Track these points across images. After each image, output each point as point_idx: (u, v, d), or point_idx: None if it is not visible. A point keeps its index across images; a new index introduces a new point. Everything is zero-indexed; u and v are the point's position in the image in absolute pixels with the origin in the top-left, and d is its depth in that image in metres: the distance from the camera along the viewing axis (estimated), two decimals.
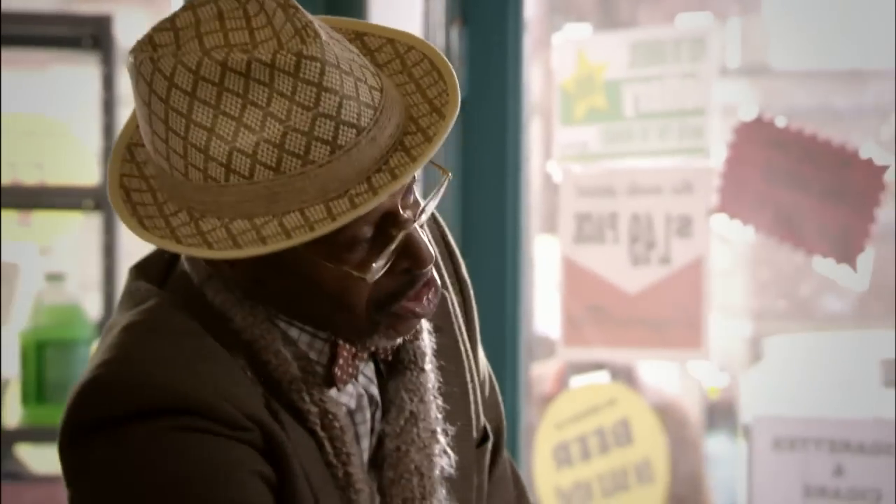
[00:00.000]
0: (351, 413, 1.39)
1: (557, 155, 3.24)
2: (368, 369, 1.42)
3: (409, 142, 1.30)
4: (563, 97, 3.23)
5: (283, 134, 1.24)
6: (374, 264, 1.30)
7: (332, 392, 1.37)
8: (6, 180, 3.37)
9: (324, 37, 1.26)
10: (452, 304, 1.48)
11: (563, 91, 3.23)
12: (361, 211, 1.25)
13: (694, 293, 3.09)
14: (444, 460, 1.40)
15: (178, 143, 1.26)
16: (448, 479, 1.40)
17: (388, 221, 1.31)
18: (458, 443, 1.43)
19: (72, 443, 1.29)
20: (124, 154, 1.37)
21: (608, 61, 3.18)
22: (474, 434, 1.46)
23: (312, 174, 1.25)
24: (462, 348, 1.47)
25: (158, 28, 1.30)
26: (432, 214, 1.44)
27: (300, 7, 1.28)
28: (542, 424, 3.47)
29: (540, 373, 3.71)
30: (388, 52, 1.35)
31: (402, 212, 1.33)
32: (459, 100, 1.32)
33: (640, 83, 3.14)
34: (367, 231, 1.30)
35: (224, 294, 1.35)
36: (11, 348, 2.91)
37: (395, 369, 1.41)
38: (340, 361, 1.36)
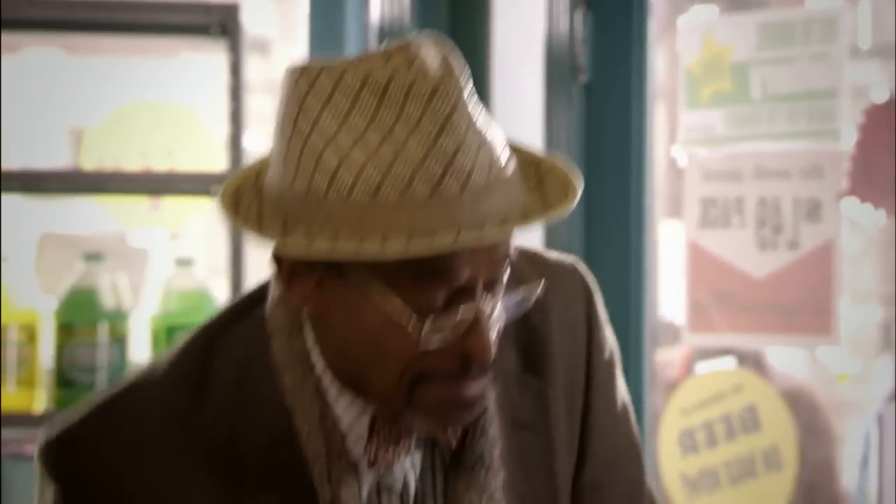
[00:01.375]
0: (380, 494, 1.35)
1: (683, 139, 3.21)
2: (415, 457, 1.37)
3: (507, 217, 1.27)
4: (689, 80, 3.19)
5: (391, 163, 1.23)
6: (428, 323, 1.24)
7: (370, 470, 1.33)
8: (138, 167, 3.43)
9: (472, 98, 1.26)
10: (555, 403, 1.41)
11: (689, 74, 3.20)
12: (439, 248, 1.22)
13: (823, 278, 3.05)
14: None
15: (297, 146, 1.27)
16: None
17: (462, 295, 1.27)
18: None
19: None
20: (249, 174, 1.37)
21: (735, 43, 3.14)
22: None
23: (405, 209, 1.22)
24: (556, 449, 1.41)
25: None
26: (586, 291, 1.42)
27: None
28: (668, 410, 3.45)
29: (666, 359, 3.69)
30: (529, 158, 1.34)
31: (478, 293, 1.28)
32: (571, 206, 1.30)
33: (768, 65, 3.10)
34: (440, 294, 1.26)
35: (285, 352, 1.33)
36: (142, 333, 2.96)
37: (462, 465, 1.36)
38: (375, 441, 1.32)
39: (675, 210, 3.32)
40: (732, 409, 3.59)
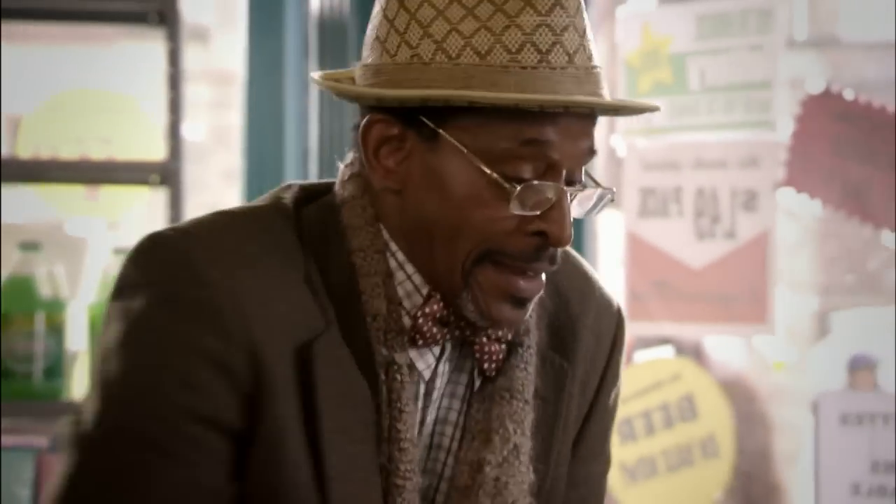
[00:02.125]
0: (421, 379, 1.39)
1: (622, 129, 3.23)
2: (445, 365, 1.39)
3: (606, 99, 1.35)
4: (628, 71, 3.21)
5: (505, 28, 1.30)
6: (517, 190, 1.30)
7: (411, 351, 1.36)
8: (76, 155, 3.41)
9: None
10: (570, 386, 1.45)
11: (628, 65, 3.21)
12: (542, 99, 1.28)
13: (759, 268, 3.08)
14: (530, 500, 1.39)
15: (404, 20, 1.33)
16: None
17: (555, 169, 1.32)
18: None
19: (118, 281, 1.36)
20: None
21: (673, 34, 3.16)
22: None
23: (513, 71, 1.29)
24: (559, 429, 1.44)
25: None
26: (618, 323, 1.47)
27: None
28: None
29: None
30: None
31: (562, 177, 1.33)
32: (657, 108, 1.35)
33: (705, 56, 3.12)
34: (528, 168, 1.31)
35: (356, 217, 1.38)
36: (80, 322, 2.94)
37: (496, 398, 1.39)
38: (427, 310, 1.35)
39: (614, 200, 3.34)
40: (670, 397, 3.62)
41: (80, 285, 3.12)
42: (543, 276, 1.34)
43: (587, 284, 1.48)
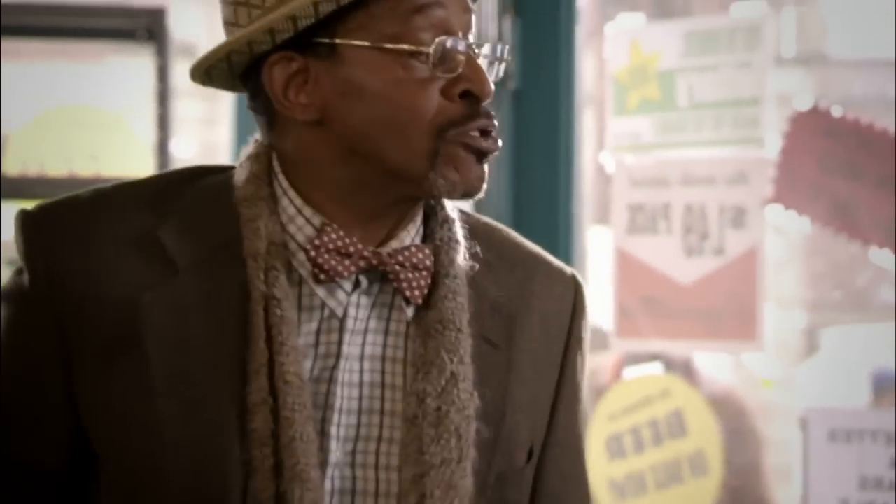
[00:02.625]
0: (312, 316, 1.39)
1: (610, 145, 3.23)
2: (364, 300, 1.41)
3: None
4: (616, 87, 3.21)
5: None
6: (427, 50, 1.34)
7: (319, 289, 1.38)
8: (64, 172, 3.40)
9: None
10: (520, 336, 1.46)
11: (616, 81, 3.22)
12: None
13: (748, 284, 3.08)
14: (477, 425, 1.40)
15: None
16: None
17: (450, 33, 1.36)
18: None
19: None
20: None
21: (662, 51, 3.16)
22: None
23: None
24: (514, 373, 1.45)
25: None
26: (576, 293, 1.49)
27: None
28: (596, 416, 3.47)
29: (595, 365, 3.71)
30: None
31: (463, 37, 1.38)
32: None
33: (694, 73, 3.13)
34: (427, 38, 1.35)
35: (244, 172, 1.41)
36: None
37: (430, 331, 1.41)
38: (317, 242, 1.37)
39: (603, 216, 3.34)
40: (659, 414, 3.61)
41: None
42: (493, 133, 1.38)
43: (533, 256, 1.50)
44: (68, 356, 1.36)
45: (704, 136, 3.12)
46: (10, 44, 3.15)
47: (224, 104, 3.38)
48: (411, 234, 1.42)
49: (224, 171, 1.45)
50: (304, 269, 1.38)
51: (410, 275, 1.39)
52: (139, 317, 1.35)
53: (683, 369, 3.71)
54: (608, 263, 3.25)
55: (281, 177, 1.41)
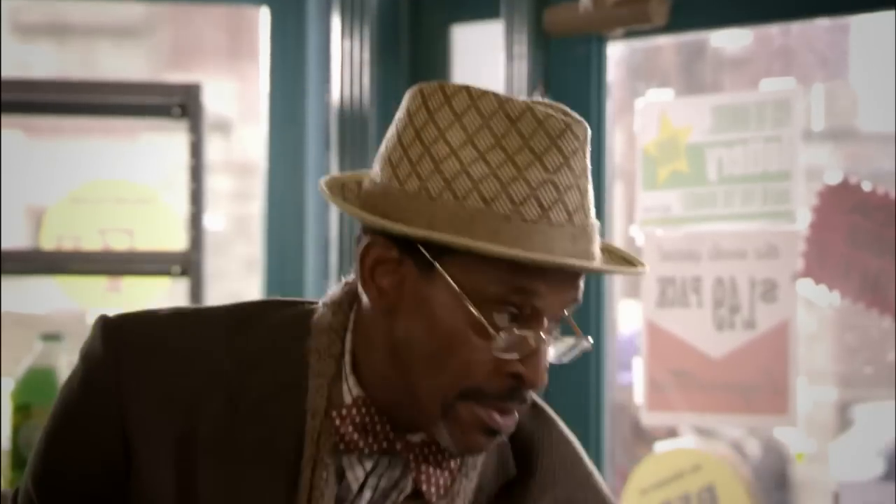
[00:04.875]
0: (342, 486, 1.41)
1: (640, 219, 3.24)
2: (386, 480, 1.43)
3: (598, 260, 1.42)
4: (646, 161, 3.23)
5: (513, 179, 1.35)
6: (499, 333, 1.35)
7: (344, 459, 1.41)
8: (98, 246, 3.43)
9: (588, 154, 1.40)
10: None
11: (646, 155, 3.23)
12: (538, 259, 1.34)
13: (779, 358, 3.07)
14: None
15: (417, 150, 1.38)
16: None
17: (534, 319, 1.37)
18: None
19: None
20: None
21: (691, 125, 3.18)
22: None
23: (515, 223, 1.35)
24: None
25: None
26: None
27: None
28: (627, 490, 3.45)
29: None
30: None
31: (547, 321, 1.39)
32: (645, 270, 1.45)
33: (723, 147, 3.14)
34: (513, 311, 1.36)
35: (325, 320, 1.43)
36: None
37: None
38: (343, 412, 1.40)
39: (633, 290, 3.34)
40: (691, 488, 3.59)
41: None
42: (516, 413, 1.39)
43: (584, 482, 1.51)
44: (127, 475, 1.39)
45: (734, 209, 3.12)
46: (47, 120, 3.19)
47: (256, 179, 3.41)
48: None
49: (300, 306, 1.48)
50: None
51: (432, 469, 1.42)
52: (195, 452, 1.38)
53: (714, 443, 3.68)
54: (639, 337, 3.25)
55: (348, 336, 1.44)
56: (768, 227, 3.09)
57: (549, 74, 3.09)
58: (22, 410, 2.85)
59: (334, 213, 3.22)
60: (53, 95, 3.15)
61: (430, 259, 1.37)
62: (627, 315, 3.48)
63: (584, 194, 1.39)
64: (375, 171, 1.43)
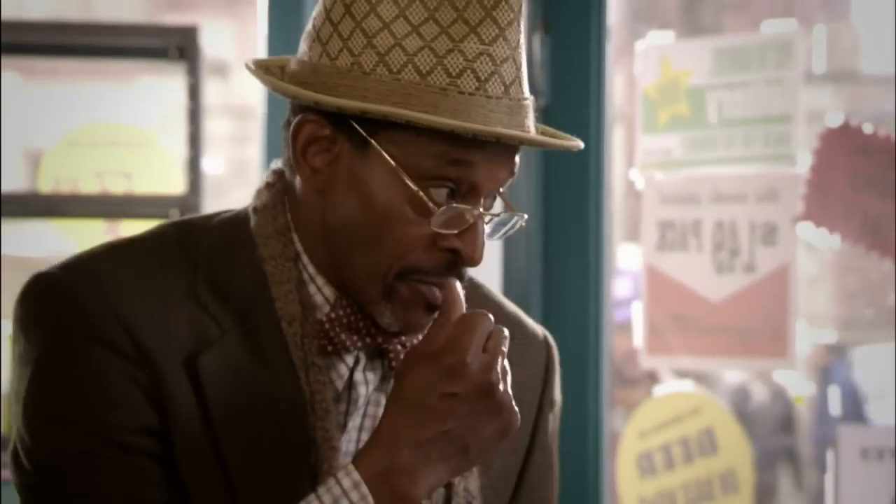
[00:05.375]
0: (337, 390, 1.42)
1: (640, 162, 3.23)
2: (367, 374, 1.44)
3: (533, 131, 1.40)
4: (646, 104, 3.22)
5: (448, 51, 1.34)
6: (435, 210, 1.35)
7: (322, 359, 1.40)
8: (96, 190, 3.42)
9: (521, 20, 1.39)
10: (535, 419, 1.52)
11: (646, 98, 3.22)
12: (477, 129, 1.32)
13: (779, 301, 3.07)
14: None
15: (348, 25, 1.36)
16: None
17: (471, 194, 1.37)
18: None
19: (14, 324, 1.41)
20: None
21: (692, 68, 3.16)
22: None
23: (451, 95, 1.33)
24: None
25: None
26: (548, 350, 1.53)
27: None
28: (626, 433, 3.46)
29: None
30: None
31: (481, 201, 1.38)
32: (580, 145, 1.43)
33: (724, 90, 3.12)
34: (449, 187, 1.36)
35: (267, 225, 1.42)
36: None
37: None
38: (333, 315, 1.39)
39: (633, 233, 3.34)
40: (690, 431, 3.60)
41: None
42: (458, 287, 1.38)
43: (510, 319, 1.52)
44: (163, 406, 1.35)
45: (735, 153, 3.11)
46: (42, 62, 3.17)
47: (254, 123, 3.39)
48: None
49: (222, 217, 1.45)
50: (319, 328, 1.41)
51: (402, 354, 1.42)
52: (200, 379, 1.35)
53: (713, 386, 3.69)
54: (638, 280, 3.25)
55: (295, 237, 1.42)
56: (769, 171, 3.08)
57: (549, 16, 3.07)
58: None
59: None
60: (50, 37, 3.13)
61: (365, 135, 1.36)
62: (627, 258, 3.48)
63: (519, 67, 1.37)
64: (302, 50, 1.42)
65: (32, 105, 3.86)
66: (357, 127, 1.36)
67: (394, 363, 1.42)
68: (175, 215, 3.09)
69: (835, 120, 3.06)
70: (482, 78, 1.34)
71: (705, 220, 3.14)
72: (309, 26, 1.42)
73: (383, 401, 1.43)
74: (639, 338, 3.24)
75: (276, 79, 1.42)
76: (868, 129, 3.02)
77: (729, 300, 3.13)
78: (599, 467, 3.07)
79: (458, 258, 1.37)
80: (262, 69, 1.44)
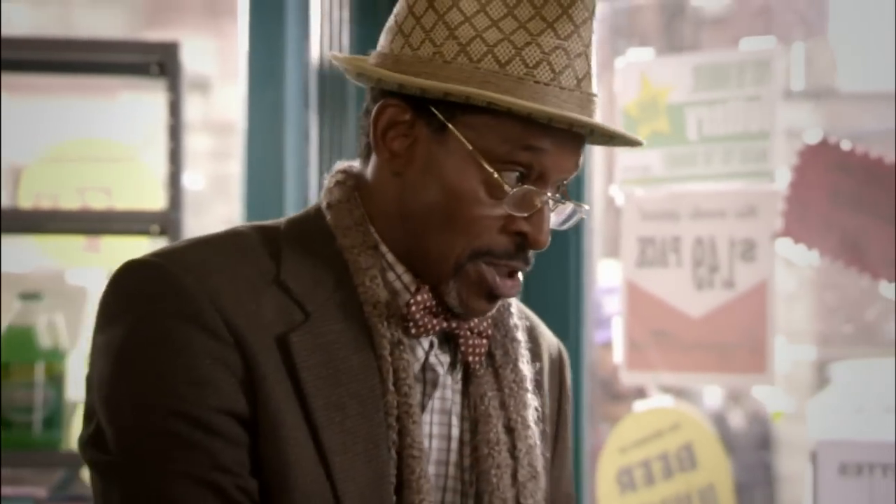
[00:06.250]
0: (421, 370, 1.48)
1: (620, 178, 3.24)
2: (441, 356, 1.50)
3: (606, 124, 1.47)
4: (626, 121, 3.23)
5: (527, 44, 1.41)
6: (509, 190, 1.41)
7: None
8: (76, 205, 3.42)
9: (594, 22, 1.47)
10: (541, 405, 1.58)
11: (626, 114, 3.23)
12: (552, 113, 1.39)
13: (758, 317, 3.08)
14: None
15: (431, 19, 1.43)
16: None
17: (543, 179, 1.44)
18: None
19: (101, 303, 1.45)
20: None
21: (671, 85, 3.18)
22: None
23: (528, 84, 1.40)
24: (545, 419, 1.58)
25: None
26: (560, 353, 1.64)
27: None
28: (606, 448, 3.47)
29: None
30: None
31: (549, 189, 1.45)
32: (643, 143, 1.50)
33: (703, 107, 3.14)
34: (520, 172, 1.42)
35: (345, 218, 1.47)
36: (80, 372, 2.94)
37: (503, 389, 1.53)
38: (418, 298, 1.45)
39: (613, 249, 3.35)
40: (670, 447, 3.61)
41: (80, 335, 3.12)
42: (521, 277, 1.46)
43: (528, 315, 1.63)
44: (252, 386, 1.39)
45: (714, 169, 3.13)
46: (25, 79, 3.17)
47: (235, 139, 3.40)
48: None
49: (291, 221, 1.50)
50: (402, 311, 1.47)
51: (475, 341, 1.49)
52: (292, 355, 1.40)
53: (692, 402, 3.70)
54: (618, 296, 3.26)
55: (372, 227, 1.48)
56: (748, 187, 3.10)
57: None
58: (1, 369, 2.85)
59: (314, 171, 3.21)
60: (31, 53, 3.12)
61: (443, 119, 1.42)
62: (607, 274, 3.49)
63: (590, 63, 1.46)
64: (382, 44, 1.49)
65: (13, 121, 3.85)
66: (436, 112, 1.42)
67: (462, 348, 1.48)
68: (155, 231, 3.09)
69: (813, 137, 3.07)
70: (557, 70, 1.42)
71: (685, 237, 3.16)
72: (390, 22, 1.49)
73: (449, 383, 1.50)
74: (619, 353, 3.24)
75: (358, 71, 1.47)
76: (846, 145, 3.03)
77: (708, 316, 3.14)
78: (580, 483, 3.08)
79: (526, 241, 1.44)
80: (343, 62, 1.50)
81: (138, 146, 3.60)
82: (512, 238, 1.44)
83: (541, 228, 1.44)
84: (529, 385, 1.53)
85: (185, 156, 3.08)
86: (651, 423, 3.53)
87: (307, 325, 1.41)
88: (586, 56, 1.46)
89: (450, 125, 1.42)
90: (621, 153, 3.23)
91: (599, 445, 3.45)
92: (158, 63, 3.07)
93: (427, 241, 1.44)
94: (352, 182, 1.50)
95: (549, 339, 1.65)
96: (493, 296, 1.45)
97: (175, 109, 3.04)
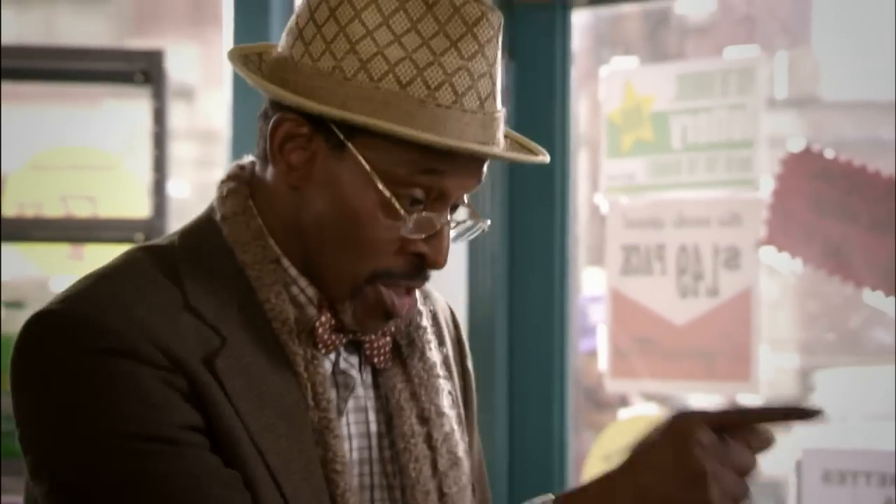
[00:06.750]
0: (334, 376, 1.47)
1: (604, 187, 3.25)
2: (354, 368, 1.49)
3: (505, 147, 1.46)
4: (610, 129, 3.23)
5: (429, 64, 1.37)
6: (407, 214, 1.40)
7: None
8: (60, 213, 3.41)
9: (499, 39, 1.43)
10: (454, 388, 1.58)
11: (610, 123, 3.24)
12: (451, 144, 1.37)
13: (742, 325, 3.09)
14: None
15: (332, 29, 1.40)
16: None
17: (443, 198, 1.42)
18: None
19: (17, 362, 1.41)
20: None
21: (655, 93, 3.18)
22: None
23: (429, 107, 1.37)
24: (456, 400, 1.58)
25: None
26: (451, 312, 1.62)
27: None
28: (591, 456, 3.47)
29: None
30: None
31: (448, 208, 1.43)
32: (547, 159, 1.47)
33: (687, 115, 3.14)
34: (419, 193, 1.40)
35: (242, 232, 1.44)
36: None
37: (397, 384, 1.52)
38: (322, 319, 1.44)
39: (597, 257, 3.35)
40: None
41: None
42: (417, 294, 1.47)
43: (428, 289, 1.61)
44: (203, 408, 1.37)
45: (698, 177, 3.13)
46: (8, 86, 3.17)
47: (219, 147, 3.39)
48: None
49: (182, 236, 1.47)
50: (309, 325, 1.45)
51: (380, 342, 1.48)
52: (221, 381, 1.38)
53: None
54: (603, 304, 3.26)
55: (271, 240, 1.45)
56: (732, 195, 3.10)
57: (514, 41, 3.09)
58: None
59: None
60: (15, 61, 3.12)
61: (342, 138, 1.39)
62: (591, 282, 3.49)
63: (494, 82, 1.41)
64: (284, 44, 1.45)
65: None
66: (335, 129, 1.39)
67: (367, 352, 1.48)
68: (140, 239, 3.08)
69: (796, 145, 3.08)
70: (459, 92, 1.38)
71: (669, 245, 3.16)
72: (292, 23, 1.45)
73: (360, 381, 1.49)
74: (603, 362, 3.25)
75: (255, 68, 1.45)
76: (829, 154, 3.04)
77: (692, 324, 3.14)
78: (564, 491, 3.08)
79: (425, 262, 1.42)
80: (241, 58, 1.47)
81: (123, 154, 3.59)
82: (410, 259, 1.42)
83: (439, 250, 1.42)
84: (441, 370, 1.52)
85: (170, 163, 3.08)
86: (636, 430, 3.53)
87: (226, 349, 1.39)
88: (490, 76, 1.41)
89: (349, 144, 1.39)
90: (606, 161, 3.23)
91: (584, 453, 3.45)
92: (143, 71, 3.07)
93: (324, 259, 1.42)
94: (246, 190, 1.47)
95: (442, 305, 1.63)
96: (389, 315, 1.45)
97: (159, 117, 3.05)
